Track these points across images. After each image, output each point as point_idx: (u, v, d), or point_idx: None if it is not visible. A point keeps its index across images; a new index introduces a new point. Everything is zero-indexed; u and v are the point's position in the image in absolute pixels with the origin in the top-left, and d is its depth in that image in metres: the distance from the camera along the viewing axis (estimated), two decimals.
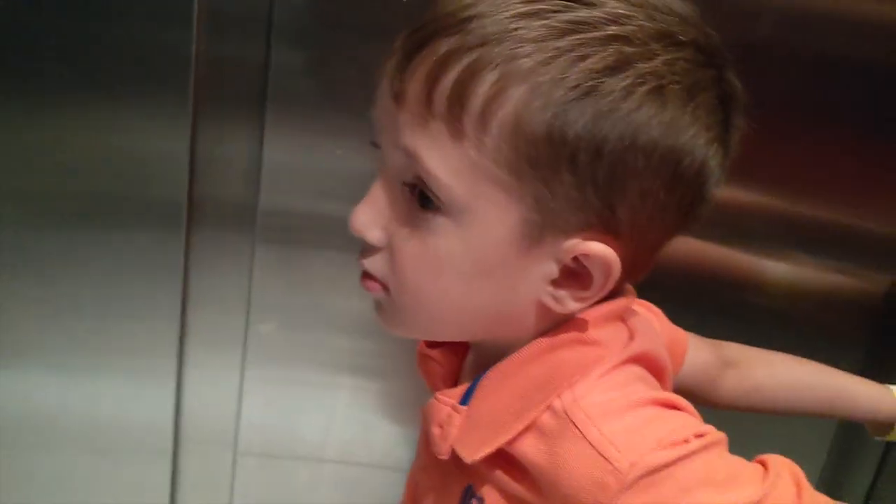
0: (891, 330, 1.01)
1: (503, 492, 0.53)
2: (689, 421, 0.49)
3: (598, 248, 0.48)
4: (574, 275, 0.50)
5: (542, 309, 0.51)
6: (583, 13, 0.45)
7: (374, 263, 0.52)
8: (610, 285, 0.49)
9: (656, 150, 0.46)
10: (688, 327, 0.74)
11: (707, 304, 0.99)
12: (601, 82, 0.45)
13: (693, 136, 0.47)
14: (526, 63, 0.45)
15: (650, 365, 0.53)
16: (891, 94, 0.90)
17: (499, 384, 0.52)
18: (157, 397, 1.02)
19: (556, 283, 0.50)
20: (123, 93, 0.88)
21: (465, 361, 0.61)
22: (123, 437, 1.04)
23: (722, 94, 0.49)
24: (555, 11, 0.45)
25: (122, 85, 0.87)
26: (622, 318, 0.54)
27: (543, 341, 0.52)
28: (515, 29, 0.45)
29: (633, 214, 0.48)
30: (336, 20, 0.87)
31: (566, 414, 0.49)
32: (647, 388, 0.51)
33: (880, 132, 0.92)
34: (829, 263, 0.99)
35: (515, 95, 0.45)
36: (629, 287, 0.56)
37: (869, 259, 0.99)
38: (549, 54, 0.45)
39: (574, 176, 0.46)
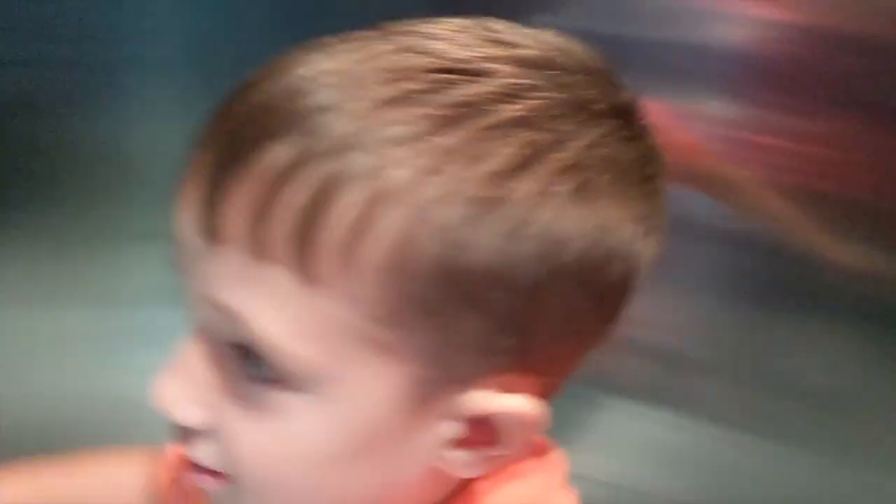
0: None
1: None
2: None
3: (513, 404, 0.36)
4: (481, 430, 0.37)
5: (441, 475, 0.38)
6: (469, 89, 0.33)
7: (202, 452, 0.37)
8: (527, 441, 0.38)
9: (585, 265, 0.34)
10: None
11: None
12: (508, 189, 0.32)
13: (628, 237, 0.35)
14: (402, 174, 0.31)
15: None
16: None
17: None
18: None
19: (459, 443, 0.37)
20: None
21: None
22: None
23: (653, 172, 0.37)
24: (432, 91, 0.33)
25: None
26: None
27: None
28: (382, 124, 0.32)
29: (553, 345, 0.36)
30: None
31: None
32: None
33: None
34: None
35: (393, 222, 0.32)
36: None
37: None
38: (433, 159, 0.32)
39: (481, 318, 0.34)
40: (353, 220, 0.31)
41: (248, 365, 0.34)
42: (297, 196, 0.31)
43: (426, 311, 0.33)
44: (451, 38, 0.35)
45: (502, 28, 0.36)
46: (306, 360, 0.34)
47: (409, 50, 0.34)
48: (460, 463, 0.37)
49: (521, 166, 0.32)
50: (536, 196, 0.33)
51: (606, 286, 0.36)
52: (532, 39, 0.36)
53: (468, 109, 0.32)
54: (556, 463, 0.42)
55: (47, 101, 1.00)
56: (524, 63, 0.34)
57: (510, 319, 0.34)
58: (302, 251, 0.32)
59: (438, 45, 0.34)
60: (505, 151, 0.32)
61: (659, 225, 0.37)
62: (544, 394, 0.37)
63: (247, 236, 0.32)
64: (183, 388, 0.36)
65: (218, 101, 0.36)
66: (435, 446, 0.37)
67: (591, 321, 0.37)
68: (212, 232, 0.33)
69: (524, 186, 0.32)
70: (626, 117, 0.36)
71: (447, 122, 0.32)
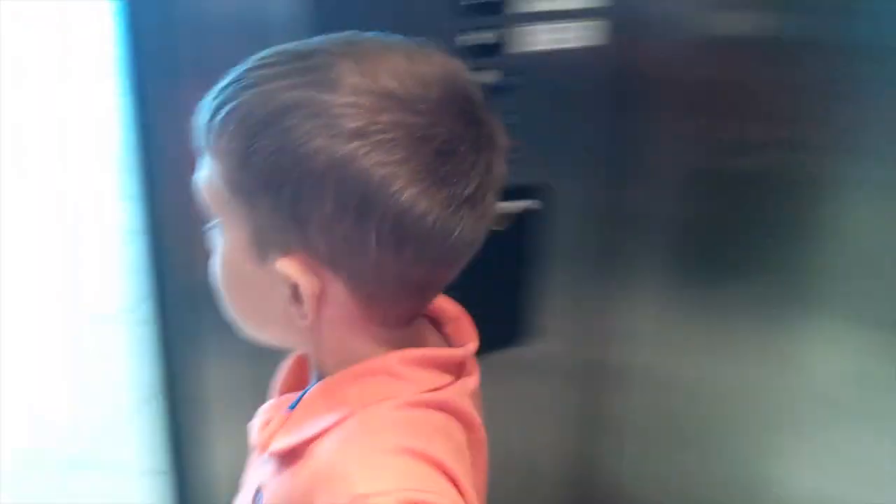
0: None
1: (277, 494, 0.60)
2: (446, 498, 0.54)
3: (284, 266, 0.56)
4: (297, 293, 0.57)
5: (295, 324, 0.59)
6: (301, 64, 0.55)
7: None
8: (313, 304, 0.57)
9: (331, 181, 0.53)
10: None
11: None
12: (283, 116, 0.53)
13: (386, 182, 0.52)
14: (236, 104, 0.55)
15: (460, 417, 0.61)
16: None
17: (318, 396, 0.60)
18: None
19: (291, 299, 0.58)
20: None
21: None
22: None
23: (436, 136, 0.53)
24: (289, 70, 0.55)
25: None
26: (449, 369, 0.62)
27: (357, 368, 0.60)
28: (252, 78, 0.56)
29: (329, 242, 0.55)
30: None
31: (355, 427, 0.57)
32: (442, 444, 0.57)
33: None
34: None
35: (229, 129, 0.55)
36: (465, 345, 0.65)
37: None
38: (249, 95, 0.55)
39: (267, 200, 0.55)
40: (219, 127, 0.56)
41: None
42: (209, 112, 0.57)
43: (238, 188, 0.56)
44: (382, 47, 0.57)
45: (421, 51, 0.57)
46: (211, 203, 0.59)
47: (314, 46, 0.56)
48: (292, 316, 0.58)
49: (292, 105, 0.53)
50: (296, 126, 0.53)
51: (364, 206, 0.53)
52: (423, 61, 0.56)
53: (309, 74, 0.54)
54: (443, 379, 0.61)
55: (780, 179, 1.17)
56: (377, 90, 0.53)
57: (283, 206, 0.55)
58: (207, 140, 0.57)
59: (332, 44, 0.56)
60: (288, 94, 0.53)
61: (435, 176, 0.53)
62: (375, 302, 0.58)
63: (204, 134, 0.58)
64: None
65: None
66: (280, 297, 0.58)
67: (360, 236, 0.54)
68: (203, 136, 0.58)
69: (290, 118, 0.53)
70: (407, 100, 0.53)
71: (276, 76, 0.55)
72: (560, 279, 1.28)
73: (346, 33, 0.58)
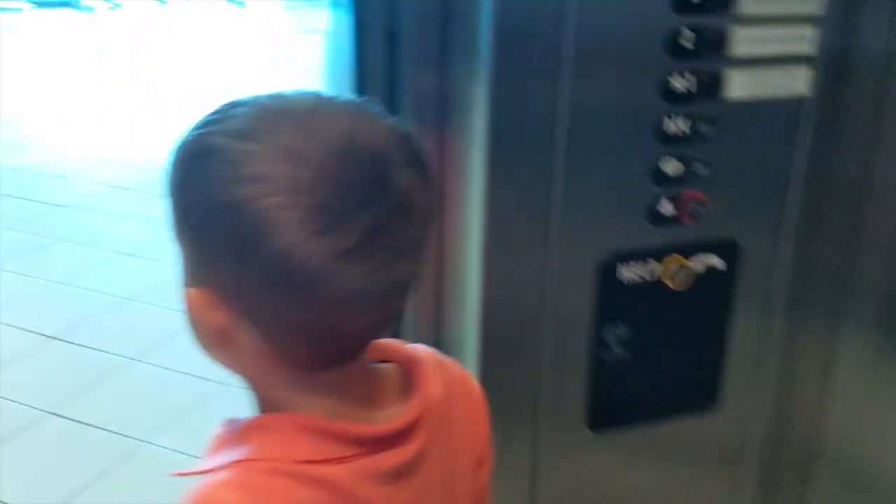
0: None
1: None
2: None
3: (189, 297, 0.61)
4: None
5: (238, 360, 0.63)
6: (230, 112, 0.60)
7: None
8: (221, 338, 0.61)
9: (219, 218, 0.57)
10: None
11: None
12: (200, 159, 0.59)
13: (257, 213, 0.55)
14: (179, 146, 0.61)
15: (342, 496, 0.61)
16: None
17: (233, 432, 0.64)
18: None
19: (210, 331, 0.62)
20: None
21: None
22: None
23: (319, 189, 0.56)
24: (221, 119, 0.60)
25: None
26: (347, 441, 0.62)
27: (258, 419, 0.64)
28: (200, 123, 0.61)
29: (222, 280, 0.59)
30: None
31: (224, 479, 0.60)
32: None
33: None
34: None
35: (173, 167, 0.61)
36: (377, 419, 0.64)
37: None
38: (189, 138, 0.60)
39: (184, 235, 0.61)
40: (169, 164, 0.61)
41: None
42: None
43: (174, 222, 0.61)
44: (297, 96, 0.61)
45: (362, 115, 0.61)
46: (171, 230, 0.62)
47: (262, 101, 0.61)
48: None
49: (198, 155, 0.59)
50: (201, 171, 0.58)
51: (249, 249, 0.56)
52: (347, 118, 0.60)
53: (230, 122, 0.59)
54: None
55: None
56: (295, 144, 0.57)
57: (193, 244, 0.61)
58: (166, 190, 0.62)
59: (270, 102, 0.61)
60: (194, 148, 0.60)
61: (327, 242, 0.55)
62: (269, 338, 0.60)
63: None
64: None
65: None
66: (213, 328, 0.61)
67: (248, 279, 0.58)
68: None
69: (197, 167, 0.59)
70: (288, 149, 0.57)
71: (216, 121, 0.60)
72: (745, 344, 1.20)
73: (278, 90, 0.62)
